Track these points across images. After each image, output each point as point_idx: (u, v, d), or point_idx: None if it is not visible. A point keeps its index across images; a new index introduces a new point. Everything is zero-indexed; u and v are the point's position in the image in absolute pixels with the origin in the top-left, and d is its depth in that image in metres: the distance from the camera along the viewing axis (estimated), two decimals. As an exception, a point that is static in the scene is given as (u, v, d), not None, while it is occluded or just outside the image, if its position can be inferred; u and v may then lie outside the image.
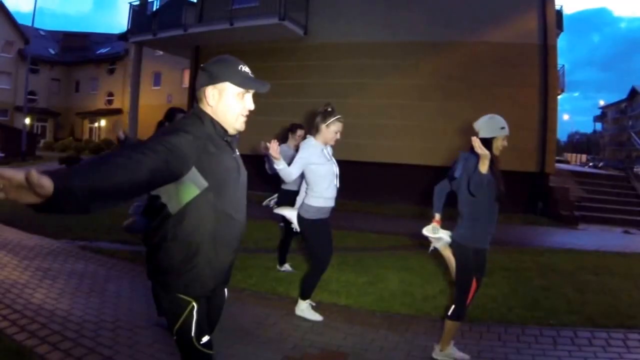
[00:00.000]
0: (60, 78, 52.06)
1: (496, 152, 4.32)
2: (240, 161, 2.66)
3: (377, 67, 17.21)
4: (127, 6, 21.30)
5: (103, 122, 47.51)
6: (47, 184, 1.67)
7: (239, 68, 2.49)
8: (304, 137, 5.77)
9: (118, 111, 45.76)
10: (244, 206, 2.66)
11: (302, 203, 5.44)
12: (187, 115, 2.57)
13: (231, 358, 4.37)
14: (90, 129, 49.89)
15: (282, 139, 7.54)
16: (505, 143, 4.33)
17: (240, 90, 2.47)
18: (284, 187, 7.19)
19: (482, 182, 4.02)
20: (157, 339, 4.62)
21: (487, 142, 4.14)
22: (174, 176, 2.25)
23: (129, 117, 22.05)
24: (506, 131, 4.29)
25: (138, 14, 21.12)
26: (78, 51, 52.34)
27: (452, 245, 4.62)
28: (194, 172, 2.30)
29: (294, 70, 18.24)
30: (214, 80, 2.44)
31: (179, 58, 26.87)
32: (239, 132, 2.61)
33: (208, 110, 2.47)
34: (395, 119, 16.95)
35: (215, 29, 18.23)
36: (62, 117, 50.58)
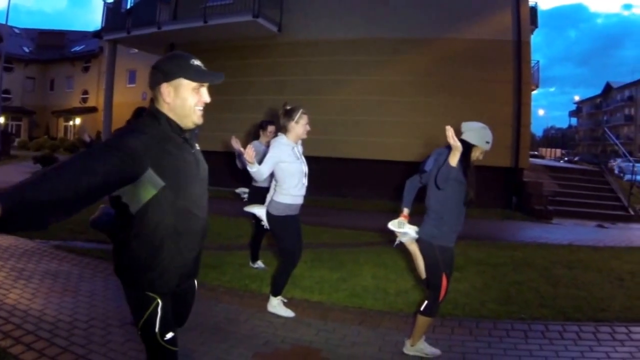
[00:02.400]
0: (35, 76, 51.56)
1: (473, 159, 4.39)
2: (200, 156, 2.68)
3: (353, 64, 17.23)
4: (102, 3, 21.13)
5: (78, 121, 46.98)
6: None
7: (191, 62, 2.47)
8: (275, 133, 5.79)
9: (93, 109, 45.37)
10: (205, 201, 2.68)
11: (271, 200, 5.47)
12: (144, 115, 2.57)
13: (203, 355, 4.39)
14: (65, 128, 49.40)
15: (254, 136, 7.55)
16: (481, 157, 4.42)
17: (195, 84, 2.47)
18: (254, 184, 7.21)
19: (449, 174, 4.08)
20: (130, 337, 4.60)
21: (467, 146, 4.24)
22: (131, 178, 2.27)
23: (104, 116, 21.94)
24: (488, 147, 4.38)
25: (112, 12, 20.95)
26: (53, 49, 51.73)
27: (419, 241, 4.68)
28: (150, 173, 2.31)
29: (268, 68, 18.22)
30: (168, 77, 2.44)
31: (154, 55, 26.67)
32: (199, 128, 2.63)
33: (164, 108, 2.47)
34: (371, 115, 16.99)
35: (189, 26, 18.13)
36: (37, 115, 49.97)
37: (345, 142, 16.78)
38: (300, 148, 5.54)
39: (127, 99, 35.93)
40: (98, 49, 45.38)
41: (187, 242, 2.54)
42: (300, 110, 5.31)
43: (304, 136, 5.44)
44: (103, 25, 21.31)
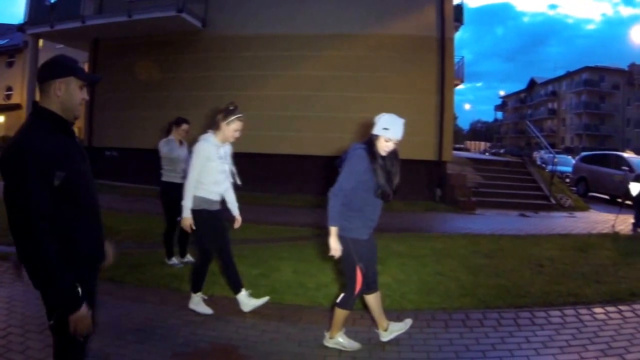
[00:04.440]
0: (-44, 72, 49.24)
1: (380, 151, 4.43)
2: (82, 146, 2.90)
3: (277, 59, 17.20)
4: (27, -5, 20.36)
5: (1, 119, 45.30)
6: None
7: (79, 65, 2.77)
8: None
9: (17, 106, 43.55)
10: (95, 187, 2.87)
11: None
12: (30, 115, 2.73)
13: (121, 358, 4.34)
14: (-12, 126, 47.38)
15: (166, 132, 7.51)
16: (391, 146, 4.42)
17: (81, 82, 2.73)
18: (164, 179, 7.24)
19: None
20: (49, 343, 4.51)
21: (369, 138, 4.37)
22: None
23: (26, 113, 21.15)
24: (390, 134, 4.36)
25: (36, 4, 20.15)
26: (-26, 43, 49.57)
27: None
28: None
29: (192, 63, 17.99)
30: (60, 74, 2.68)
31: (80, 51, 26.00)
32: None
33: (54, 101, 2.67)
34: (296, 110, 17.02)
35: (114, 21, 17.67)
36: (-42, 113, 47.85)
37: (270, 138, 16.71)
38: (227, 149, 5.56)
39: (52, 95, 34.86)
40: (23, 44, 43.43)
41: (88, 232, 2.77)
42: (237, 115, 5.32)
43: (231, 140, 5.46)
44: (26, 18, 20.58)
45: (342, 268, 4.81)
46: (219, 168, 5.43)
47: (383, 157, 4.45)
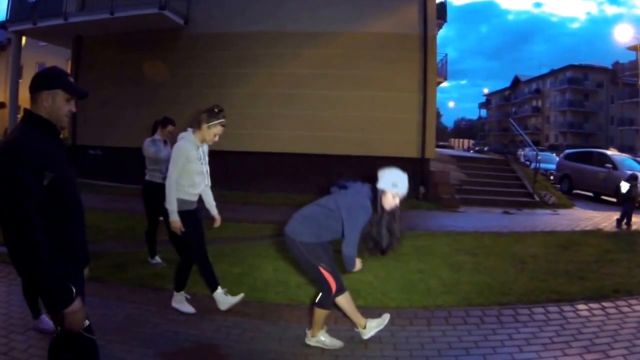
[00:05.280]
0: (-62, 70, 48.57)
1: (386, 206, 4.44)
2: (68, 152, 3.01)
3: (259, 57, 17.11)
4: (9, -8, 20.14)
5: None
6: None
7: (69, 79, 2.89)
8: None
9: (1, 105, 43.29)
10: (79, 191, 2.97)
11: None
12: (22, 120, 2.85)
13: (105, 357, 4.30)
14: (-30, 125, 46.85)
15: (152, 131, 7.49)
16: (397, 201, 4.45)
17: (68, 96, 2.85)
18: (148, 178, 7.23)
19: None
20: (33, 344, 4.51)
21: (375, 192, 4.43)
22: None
23: (9, 112, 20.93)
24: (397, 190, 4.40)
25: (18, 2, 19.98)
26: (-43, 40, 48.96)
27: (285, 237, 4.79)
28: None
29: (175, 61, 17.86)
30: (49, 86, 2.81)
31: (63, 49, 25.77)
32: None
33: (42, 111, 2.79)
34: (277, 108, 16.97)
35: (96, 18, 17.49)
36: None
37: (251, 136, 16.61)
38: (205, 149, 5.57)
39: (36, 93, 34.55)
40: (6, 41, 42.86)
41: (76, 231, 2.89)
42: (220, 120, 5.30)
43: (210, 143, 5.46)
44: (8, 16, 20.37)
45: (307, 271, 4.88)
46: (197, 169, 5.44)
47: (387, 213, 4.47)
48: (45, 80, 2.83)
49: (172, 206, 5.35)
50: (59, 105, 2.81)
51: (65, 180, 2.76)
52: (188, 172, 5.36)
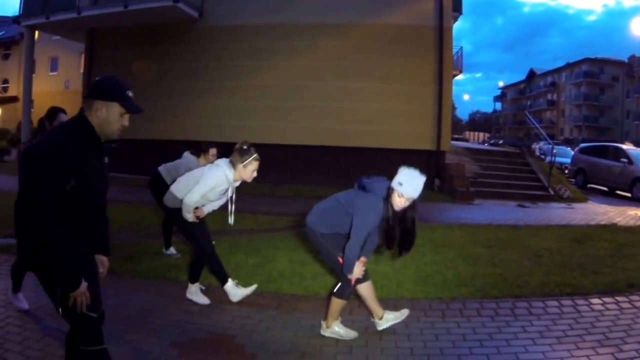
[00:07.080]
0: (-47, 64, 48.92)
1: (394, 206, 4.34)
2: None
3: (274, 49, 17.09)
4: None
5: (-1, 111, 45.19)
6: None
7: (127, 93, 2.86)
8: (218, 156, 5.78)
9: (14, 99, 43.17)
10: (105, 191, 3.15)
11: (169, 192, 5.62)
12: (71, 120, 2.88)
13: (118, 347, 4.26)
14: (-15, 118, 47.17)
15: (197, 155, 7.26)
16: (404, 202, 4.31)
17: (123, 110, 2.85)
18: (163, 173, 7.17)
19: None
20: (47, 333, 4.53)
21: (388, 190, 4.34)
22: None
23: (22, 106, 21.04)
24: (402, 189, 4.24)
25: (31, -4, 20.15)
26: (-30, 35, 49.27)
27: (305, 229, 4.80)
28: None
29: (189, 53, 17.84)
30: (105, 97, 2.81)
31: (76, 43, 25.85)
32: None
33: (93, 119, 2.81)
34: (292, 100, 16.92)
35: (109, 11, 17.54)
36: (-44, 106, 47.62)
37: (266, 128, 16.55)
38: (235, 184, 5.48)
39: (49, 87, 34.76)
40: (19, 35, 42.95)
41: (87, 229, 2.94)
42: (253, 156, 5.20)
43: (249, 180, 5.33)
44: (21, 10, 20.47)
45: (327, 262, 4.90)
46: (211, 199, 5.45)
47: (395, 213, 4.38)
48: (104, 90, 2.81)
49: (188, 215, 5.33)
50: (112, 119, 2.82)
51: (90, 187, 2.81)
52: (204, 197, 5.32)
